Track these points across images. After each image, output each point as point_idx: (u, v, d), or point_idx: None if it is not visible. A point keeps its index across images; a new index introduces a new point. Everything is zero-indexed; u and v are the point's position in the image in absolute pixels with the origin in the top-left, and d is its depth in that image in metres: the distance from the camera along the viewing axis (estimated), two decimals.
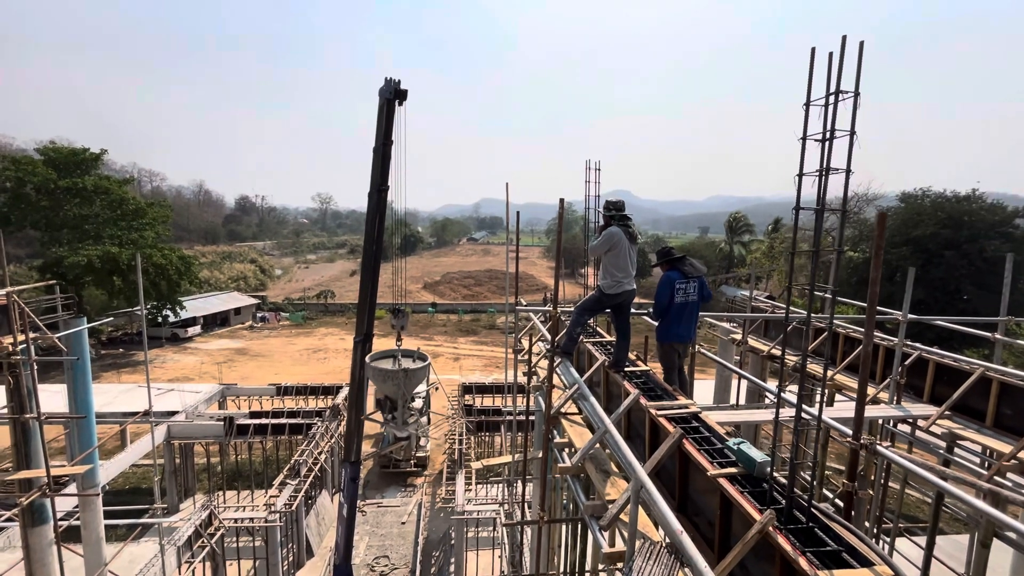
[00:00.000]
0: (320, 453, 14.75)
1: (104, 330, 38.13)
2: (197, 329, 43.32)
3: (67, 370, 9.57)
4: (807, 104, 2.83)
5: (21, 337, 7.90)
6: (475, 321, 52.37)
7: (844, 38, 2.61)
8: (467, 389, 20.75)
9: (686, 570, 3.05)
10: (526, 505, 9.32)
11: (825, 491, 11.31)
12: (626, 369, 6.14)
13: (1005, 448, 5.90)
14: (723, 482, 3.51)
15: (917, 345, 7.77)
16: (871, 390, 7.52)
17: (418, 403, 12.53)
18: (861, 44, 2.62)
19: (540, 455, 6.43)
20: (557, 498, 7.65)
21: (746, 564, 3.22)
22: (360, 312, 10.14)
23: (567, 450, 5.89)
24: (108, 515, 10.96)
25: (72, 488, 9.79)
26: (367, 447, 19.79)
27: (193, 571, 9.74)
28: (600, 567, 4.44)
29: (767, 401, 11.16)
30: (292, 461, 14.01)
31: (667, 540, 3.43)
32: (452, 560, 12.72)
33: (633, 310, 6.54)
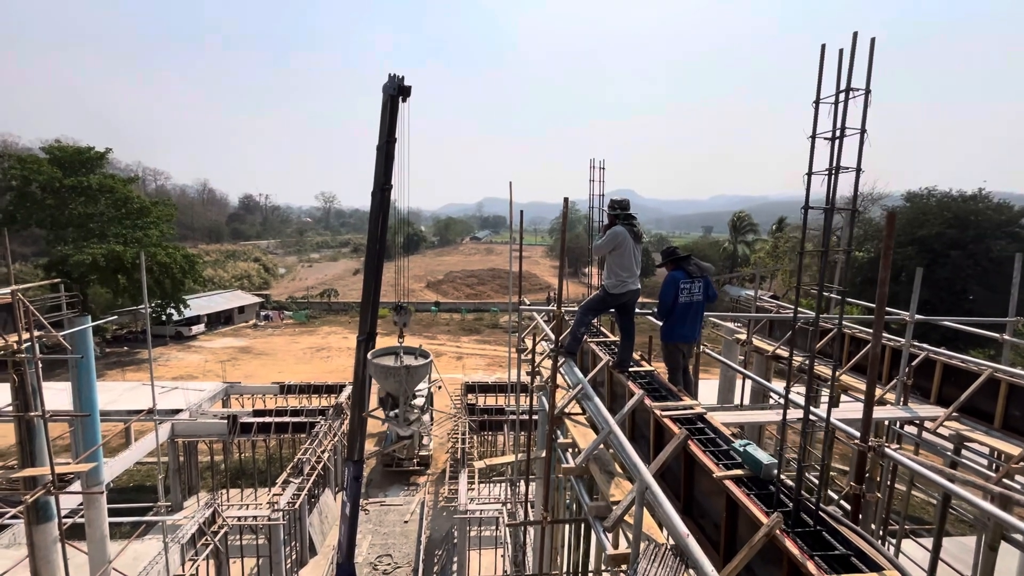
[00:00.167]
0: (323, 452, 14.77)
1: (109, 328, 38.30)
2: (201, 327, 43.48)
3: (71, 368, 9.60)
4: (816, 102, 2.78)
5: (26, 335, 7.92)
6: (478, 320, 52.37)
7: (855, 34, 2.57)
8: (470, 388, 20.75)
9: (691, 573, 3.02)
10: (529, 505, 9.31)
11: (829, 492, 11.26)
12: (630, 369, 6.10)
13: (1014, 451, 5.84)
14: (729, 484, 3.48)
15: (924, 346, 7.70)
16: (877, 391, 7.45)
17: (420, 400, 12.50)
18: (872, 40, 2.58)
19: (543, 455, 6.40)
20: (560, 498, 7.63)
21: (753, 568, 3.18)
22: (363, 311, 10.12)
23: (571, 450, 5.86)
24: (112, 513, 11.01)
25: (76, 486, 9.82)
26: (370, 446, 19.82)
27: (197, 569, 9.76)
28: (604, 569, 4.41)
29: (771, 401, 11.10)
30: (295, 459, 14.04)
31: (672, 542, 3.40)
32: (455, 559, 12.72)
33: (637, 310, 6.50)
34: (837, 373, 8.42)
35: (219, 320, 47.21)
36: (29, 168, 33.20)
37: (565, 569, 7.43)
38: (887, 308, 7.74)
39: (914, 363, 7.49)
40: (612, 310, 6.41)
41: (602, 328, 8.96)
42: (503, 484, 15.87)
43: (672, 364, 5.98)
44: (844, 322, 9.26)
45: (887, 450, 4.63)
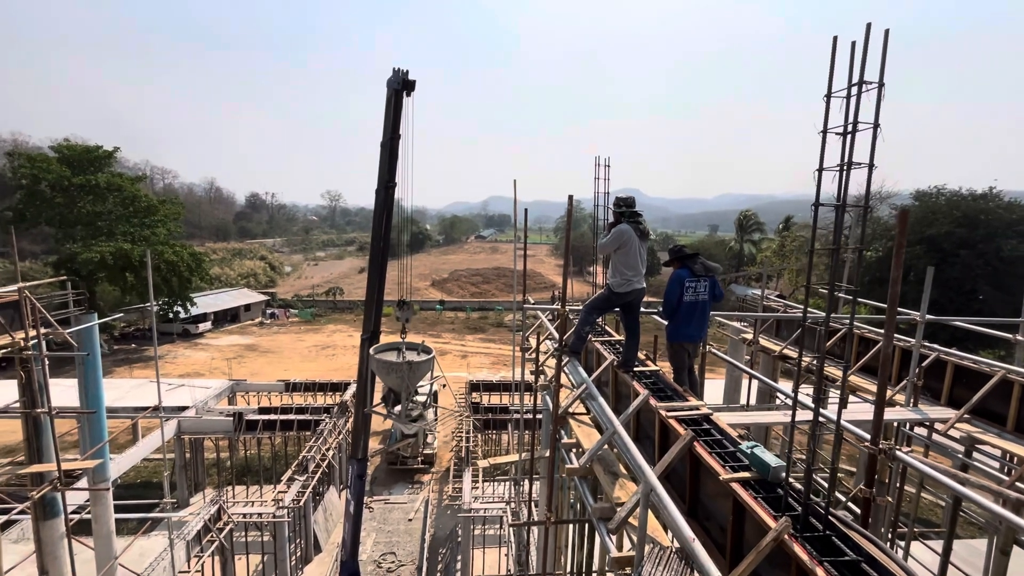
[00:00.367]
0: (328, 449, 14.80)
1: (117, 326, 38.62)
2: (208, 325, 43.74)
3: (78, 365, 9.64)
4: (828, 96, 2.71)
5: (33, 332, 7.97)
6: (483, 319, 52.37)
7: (868, 26, 2.50)
8: (474, 387, 20.74)
9: None
10: (533, 504, 9.26)
11: (837, 494, 11.15)
12: (635, 369, 6.04)
13: None
14: (736, 487, 3.41)
15: (935, 346, 7.59)
16: (887, 392, 7.35)
17: (422, 397, 12.52)
18: (886, 32, 2.51)
19: (547, 455, 6.36)
20: (564, 498, 7.57)
21: (760, 573, 3.12)
22: (367, 309, 10.10)
23: (575, 451, 5.81)
24: (119, 509, 11.07)
25: (83, 482, 9.89)
26: (375, 444, 19.85)
27: (202, 565, 9.80)
28: (608, 571, 4.36)
29: (778, 402, 11.00)
30: (300, 457, 14.08)
31: (677, 546, 3.34)
32: (459, 557, 12.71)
33: (642, 309, 6.43)
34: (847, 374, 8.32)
35: (226, 318, 47.49)
36: (39, 167, 33.47)
37: (569, 569, 7.38)
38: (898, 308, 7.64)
39: (924, 364, 7.38)
40: (617, 309, 6.35)
41: (607, 327, 8.89)
42: (507, 483, 15.85)
43: (677, 364, 5.91)
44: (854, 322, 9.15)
45: (898, 453, 4.55)
